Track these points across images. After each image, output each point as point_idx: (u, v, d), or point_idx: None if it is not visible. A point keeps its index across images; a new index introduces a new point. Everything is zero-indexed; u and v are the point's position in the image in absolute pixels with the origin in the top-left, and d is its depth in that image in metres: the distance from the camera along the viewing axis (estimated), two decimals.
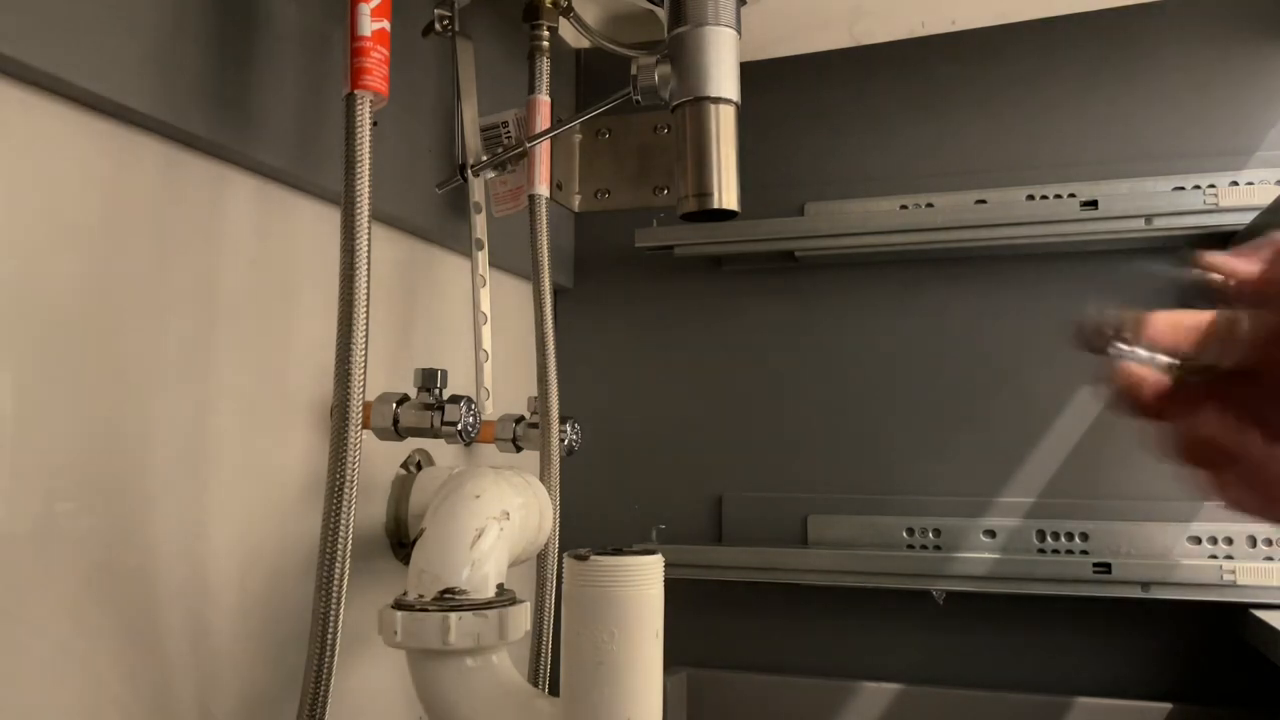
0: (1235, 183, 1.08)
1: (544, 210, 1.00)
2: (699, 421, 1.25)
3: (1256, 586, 0.98)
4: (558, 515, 0.95)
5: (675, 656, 1.17)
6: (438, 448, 0.98)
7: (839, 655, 1.17)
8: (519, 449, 0.97)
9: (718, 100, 0.75)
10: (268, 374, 0.77)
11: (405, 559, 0.85)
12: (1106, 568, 1.01)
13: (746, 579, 1.15)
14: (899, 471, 1.17)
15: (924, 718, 1.12)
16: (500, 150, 0.97)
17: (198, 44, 0.68)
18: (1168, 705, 1.05)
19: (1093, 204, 1.05)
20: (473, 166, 0.95)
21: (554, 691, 0.70)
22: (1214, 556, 1.04)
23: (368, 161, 0.70)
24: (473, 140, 0.96)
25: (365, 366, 0.69)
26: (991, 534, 1.12)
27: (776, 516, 1.20)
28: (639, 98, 0.77)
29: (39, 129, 0.59)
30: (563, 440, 0.99)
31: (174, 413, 0.68)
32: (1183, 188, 1.09)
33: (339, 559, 0.67)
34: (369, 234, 0.69)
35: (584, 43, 1.27)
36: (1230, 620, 1.05)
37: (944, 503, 1.14)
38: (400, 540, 0.90)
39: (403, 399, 0.83)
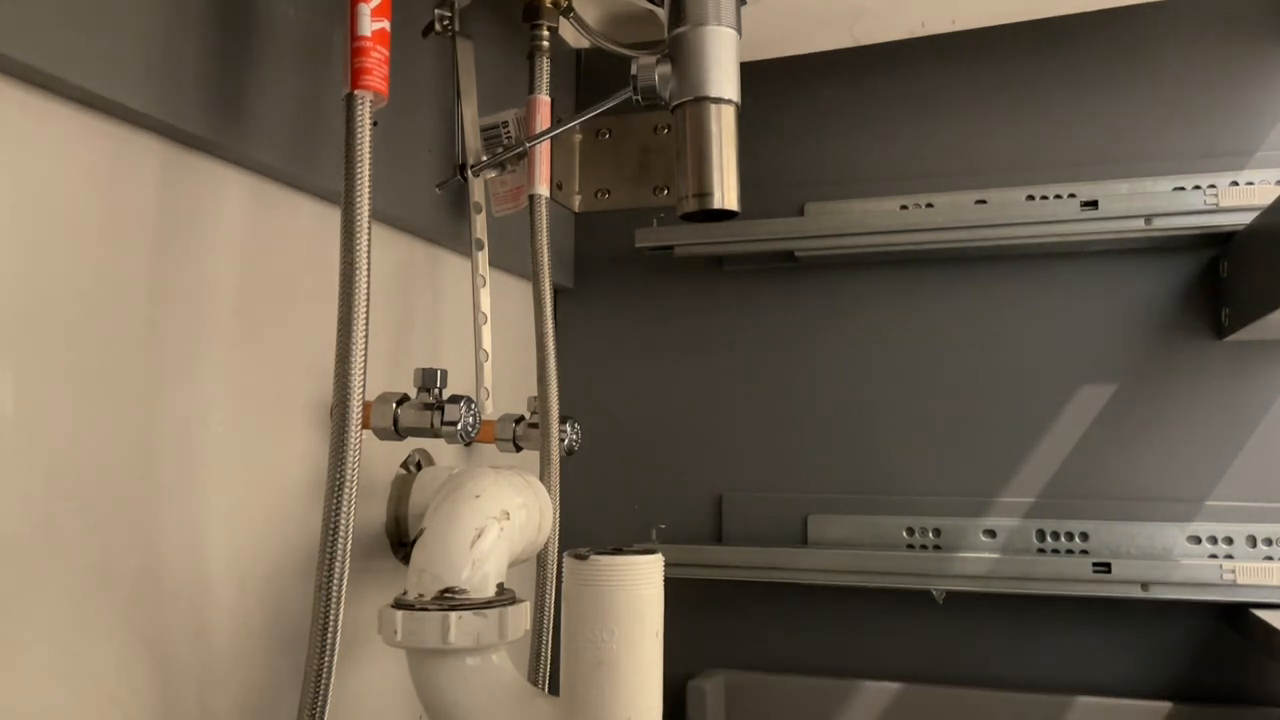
0: (1235, 183, 1.08)
1: (544, 210, 1.00)
2: (699, 421, 1.25)
3: (1256, 586, 0.98)
4: (558, 515, 0.95)
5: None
6: (438, 448, 0.98)
7: (839, 655, 1.17)
8: (519, 449, 0.97)
9: (718, 100, 0.75)
10: (267, 374, 0.77)
11: (405, 559, 0.85)
12: (1106, 568, 1.01)
13: (746, 579, 1.15)
14: (899, 471, 1.17)
15: (924, 717, 1.12)
16: (500, 150, 0.97)
17: (197, 44, 0.68)
18: (1168, 705, 1.05)
19: (1093, 204, 1.05)
20: (473, 166, 0.95)
21: (554, 691, 0.70)
22: (1214, 556, 1.05)
23: (368, 161, 0.70)
24: (473, 140, 0.96)
25: (365, 366, 0.69)
26: (991, 534, 1.12)
27: (776, 516, 1.20)
28: (639, 98, 0.77)
29: (39, 129, 0.59)
30: (563, 440, 0.99)
31: (174, 412, 0.68)
32: (1183, 188, 1.09)
33: (339, 559, 0.67)
34: (369, 234, 0.69)
35: (584, 43, 1.27)
36: (1230, 620, 1.05)
37: (944, 503, 1.14)
38: (400, 540, 0.90)
39: (403, 399, 0.83)
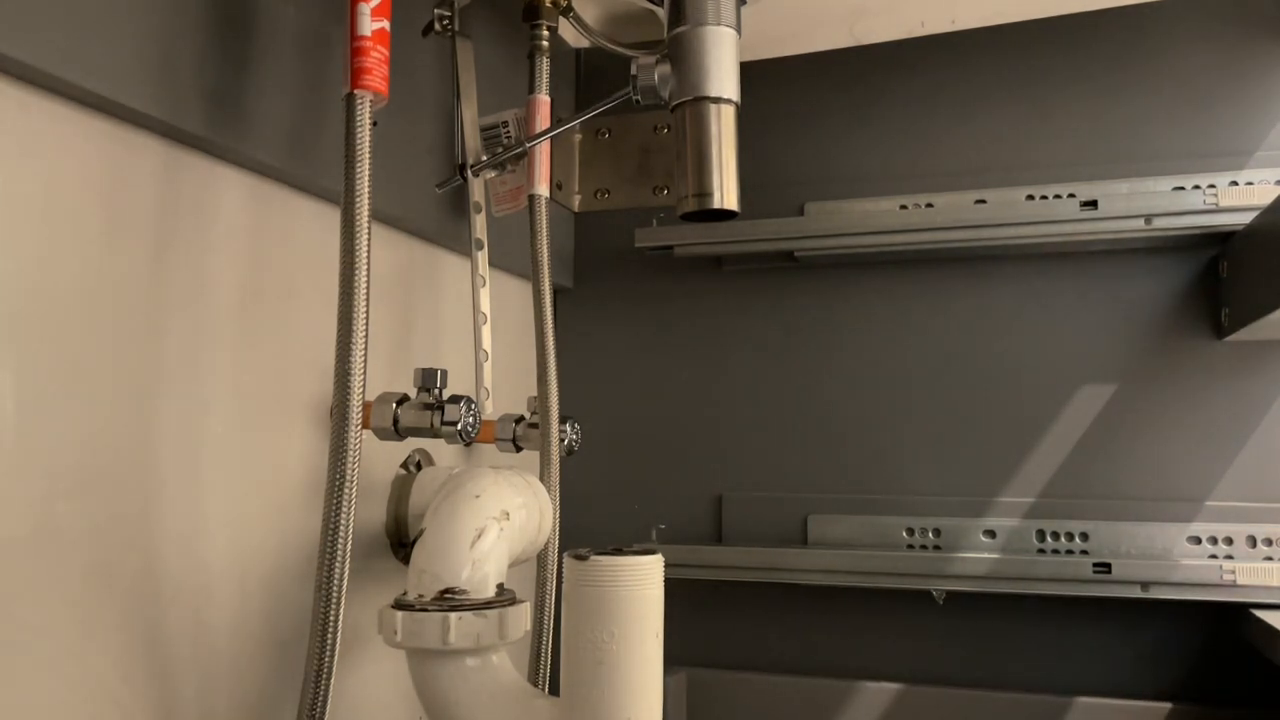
0: (1235, 183, 1.08)
1: (544, 210, 1.00)
2: (699, 421, 1.25)
3: (1256, 586, 0.98)
4: (558, 515, 0.95)
5: (675, 656, 1.17)
6: (438, 448, 0.98)
7: (839, 655, 1.17)
8: (519, 449, 0.97)
9: (718, 100, 0.75)
10: (268, 374, 0.77)
11: (405, 559, 0.85)
12: (1106, 568, 1.01)
13: (746, 579, 1.15)
14: (899, 471, 1.17)
15: (924, 718, 1.12)
16: (500, 150, 0.97)
17: (197, 43, 0.68)
18: (1168, 705, 1.05)
19: (1093, 204, 1.05)
20: (473, 166, 0.95)
21: (554, 691, 0.70)
22: (1214, 556, 1.04)
23: (368, 161, 0.70)
24: (473, 140, 0.96)
25: (365, 366, 0.69)
26: (991, 534, 1.12)
27: (776, 516, 1.20)
28: (639, 98, 0.77)
29: (39, 129, 0.59)
30: (563, 440, 0.99)
31: (174, 412, 0.68)
32: (1183, 188, 1.09)
33: (339, 559, 0.67)
34: (369, 234, 0.69)
35: (584, 43, 1.27)
36: (1230, 620, 1.05)
37: (944, 503, 1.14)
38: (400, 540, 0.90)
39: (403, 399, 0.83)
